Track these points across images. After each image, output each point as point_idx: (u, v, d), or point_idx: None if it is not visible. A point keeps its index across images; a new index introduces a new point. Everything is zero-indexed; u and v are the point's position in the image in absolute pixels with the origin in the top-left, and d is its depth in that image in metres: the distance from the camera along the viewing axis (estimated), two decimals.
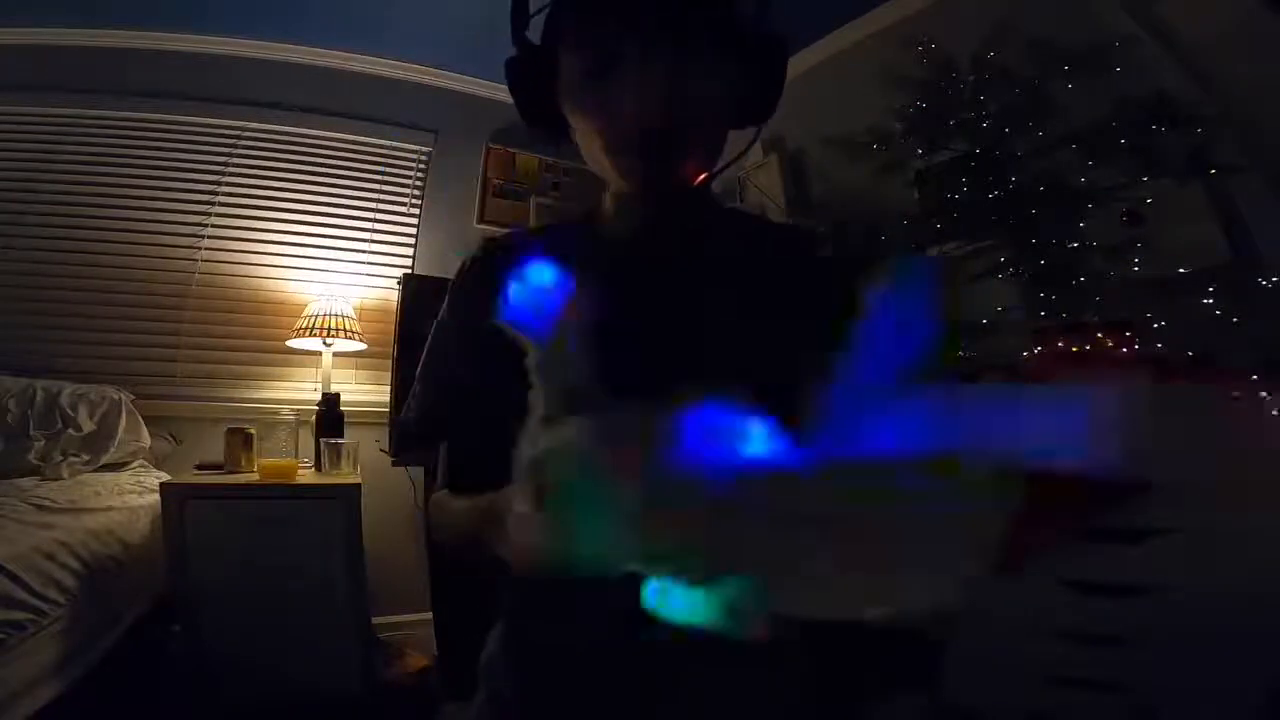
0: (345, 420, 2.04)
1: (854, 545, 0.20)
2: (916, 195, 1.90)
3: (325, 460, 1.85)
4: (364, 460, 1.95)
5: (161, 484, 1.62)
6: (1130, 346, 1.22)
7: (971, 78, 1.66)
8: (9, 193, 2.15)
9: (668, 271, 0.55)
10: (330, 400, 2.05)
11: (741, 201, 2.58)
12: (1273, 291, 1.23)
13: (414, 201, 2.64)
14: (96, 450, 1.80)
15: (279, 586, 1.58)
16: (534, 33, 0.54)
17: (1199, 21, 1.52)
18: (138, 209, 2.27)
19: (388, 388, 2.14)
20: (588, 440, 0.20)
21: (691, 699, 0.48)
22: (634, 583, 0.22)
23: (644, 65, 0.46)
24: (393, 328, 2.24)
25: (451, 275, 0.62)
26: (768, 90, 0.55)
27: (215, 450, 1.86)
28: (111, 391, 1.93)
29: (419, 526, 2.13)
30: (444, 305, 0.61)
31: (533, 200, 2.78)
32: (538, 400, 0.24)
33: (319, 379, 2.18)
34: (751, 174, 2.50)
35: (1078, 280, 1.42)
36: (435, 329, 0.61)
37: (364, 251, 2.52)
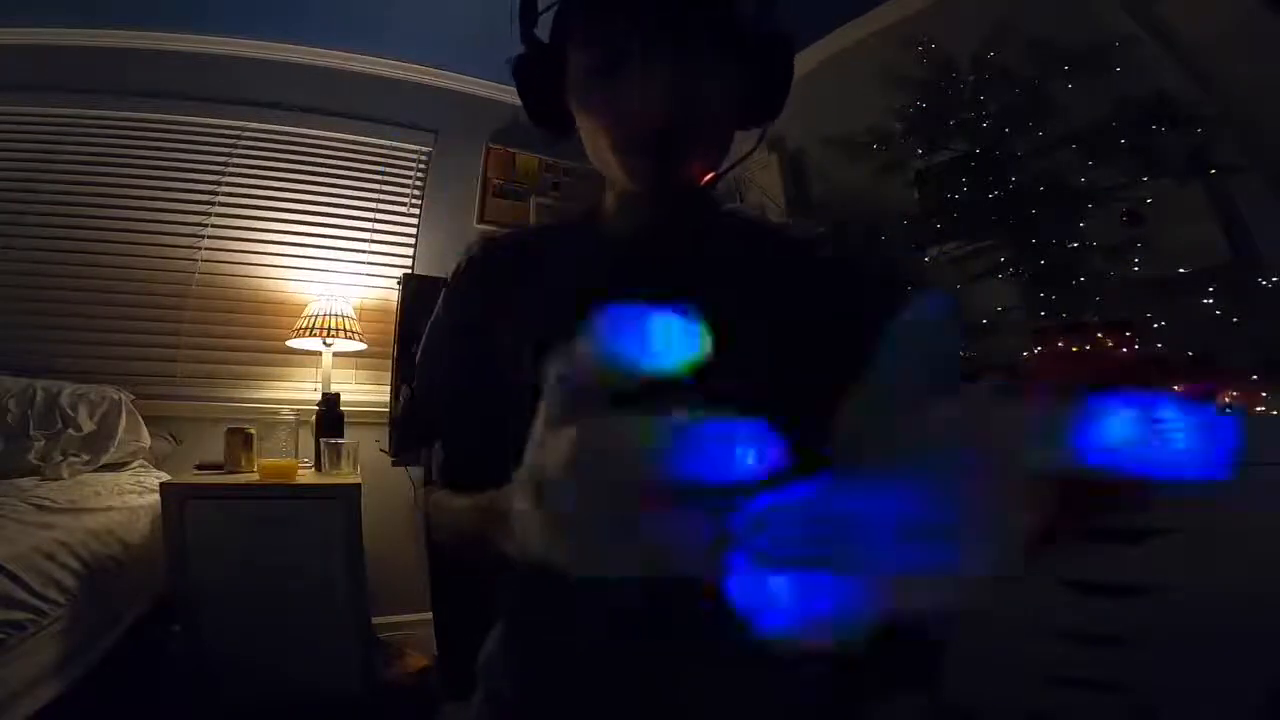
0: (345, 420, 2.04)
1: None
2: (916, 195, 1.91)
3: (325, 460, 1.85)
4: (364, 460, 1.95)
5: (161, 484, 1.62)
6: (1130, 346, 1.22)
7: (971, 78, 1.66)
8: (9, 193, 2.15)
9: (670, 272, 0.54)
10: (330, 400, 2.05)
11: (741, 201, 2.58)
12: (1273, 291, 1.23)
13: (414, 201, 2.64)
14: (96, 450, 1.80)
15: (279, 586, 1.58)
16: (539, 31, 0.54)
17: (1199, 21, 1.52)
18: (138, 209, 2.27)
19: (388, 388, 2.14)
20: (594, 446, 0.20)
21: (691, 699, 0.48)
22: (634, 583, 0.22)
23: (653, 64, 0.46)
24: (393, 328, 2.25)
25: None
26: (774, 91, 0.55)
27: (215, 450, 1.86)
28: (111, 391, 1.93)
29: (419, 526, 2.13)
30: (439, 303, 0.61)
31: (533, 200, 2.78)
32: (546, 400, 0.24)
33: (319, 379, 2.18)
34: (752, 174, 2.50)
35: (1078, 280, 1.42)
36: (430, 327, 0.61)
37: (364, 251, 2.52)
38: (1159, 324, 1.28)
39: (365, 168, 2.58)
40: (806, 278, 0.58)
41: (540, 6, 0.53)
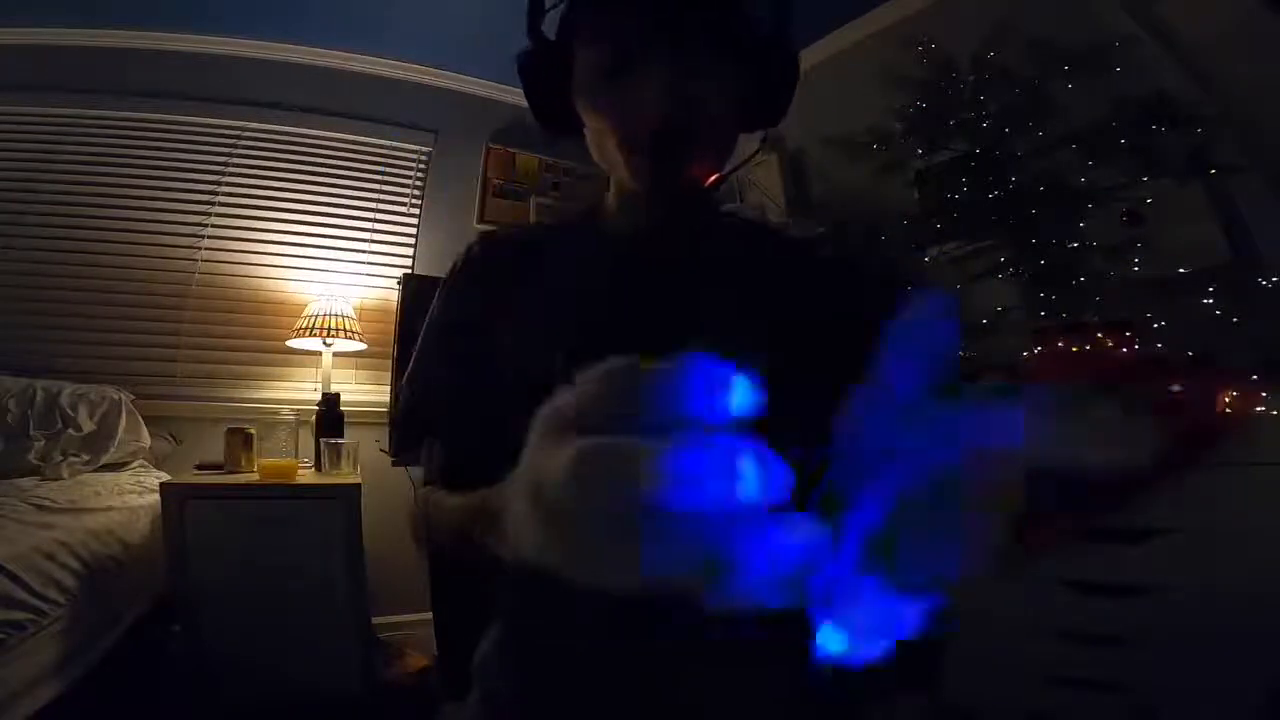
0: (345, 420, 2.04)
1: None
2: (916, 195, 1.91)
3: (325, 460, 1.85)
4: (364, 460, 1.95)
5: (161, 484, 1.62)
6: (1130, 346, 1.22)
7: (971, 78, 1.66)
8: (9, 193, 2.14)
9: (671, 272, 0.55)
10: (330, 400, 2.05)
11: (741, 201, 2.58)
12: (1273, 291, 1.23)
13: (414, 201, 2.64)
14: (96, 450, 1.80)
15: (279, 586, 1.58)
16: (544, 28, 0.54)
17: (1199, 21, 1.53)
18: (138, 209, 2.27)
19: (388, 388, 2.14)
20: (597, 461, 0.19)
21: (690, 700, 0.48)
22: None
23: (663, 66, 0.46)
24: (393, 328, 2.24)
25: None
26: (779, 96, 0.56)
27: (215, 450, 1.86)
28: (111, 391, 1.93)
29: (415, 524, 2.13)
30: (436, 301, 0.60)
31: (532, 200, 2.78)
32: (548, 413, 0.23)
33: (319, 379, 2.18)
34: (752, 174, 2.50)
35: (1078, 280, 1.42)
36: (427, 325, 0.60)
37: (364, 251, 2.52)
38: (1159, 324, 1.28)
39: (365, 168, 2.58)
40: (806, 278, 0.58)
41: (547, 3, 0.53)
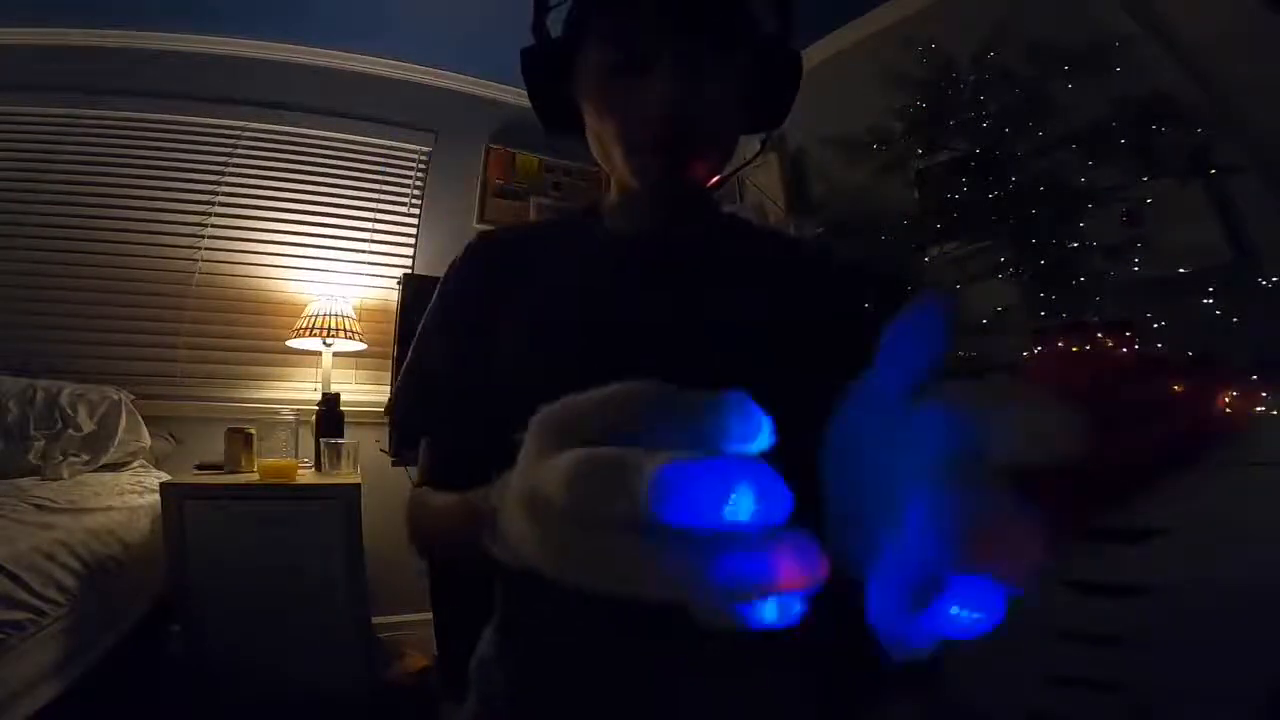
0: (345, 420, 2.04)
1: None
2: (916, 195, 1.91)
3: (325, 460, 1.85)
4: (364, 460, 1.96)
5: (161, 484, 1.62)
6: (1130, 346, 1.22)
7: (971, 78, 1.66)
8: (9, 193, 2.14)
9: (671, 272, 0.55)
10: (330, 400, 2.05)
11: (741, 201, 2.58)
12: (1273, 291, 1.23)
13: (414, 201, 2.64)
14: (96, 450, 1.80)
15: (279, 586, 1.58)
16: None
17: (1199, 21, 1.53)
18: (138, 209, 2.27)
19: (388, 388, 2.14)
20: (593, 473, 0.19)
21: (689, 703, 0.48)
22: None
23: (671, 67, 0.46)
24: (393, 328, 2.25)
25: None
26: (783, 97, 0.56)
27: (215, 450, 1.86)
28: (111, 391, 1.93)
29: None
30: (433, 299, 0.60)
31: (532, 200, 2.78)
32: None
33: (319, 379, 2.18)
34: (752, 174, 2.50)
35: (1078, 280, 1.42)
36: (423, 324, 0.60)
37: (364, 251, 2.52)
38: (1159, 324, 1.28)
39: (365, 168, 2.58)
40: (805, 279, 0.58)
41: (552, 1, 0.53)
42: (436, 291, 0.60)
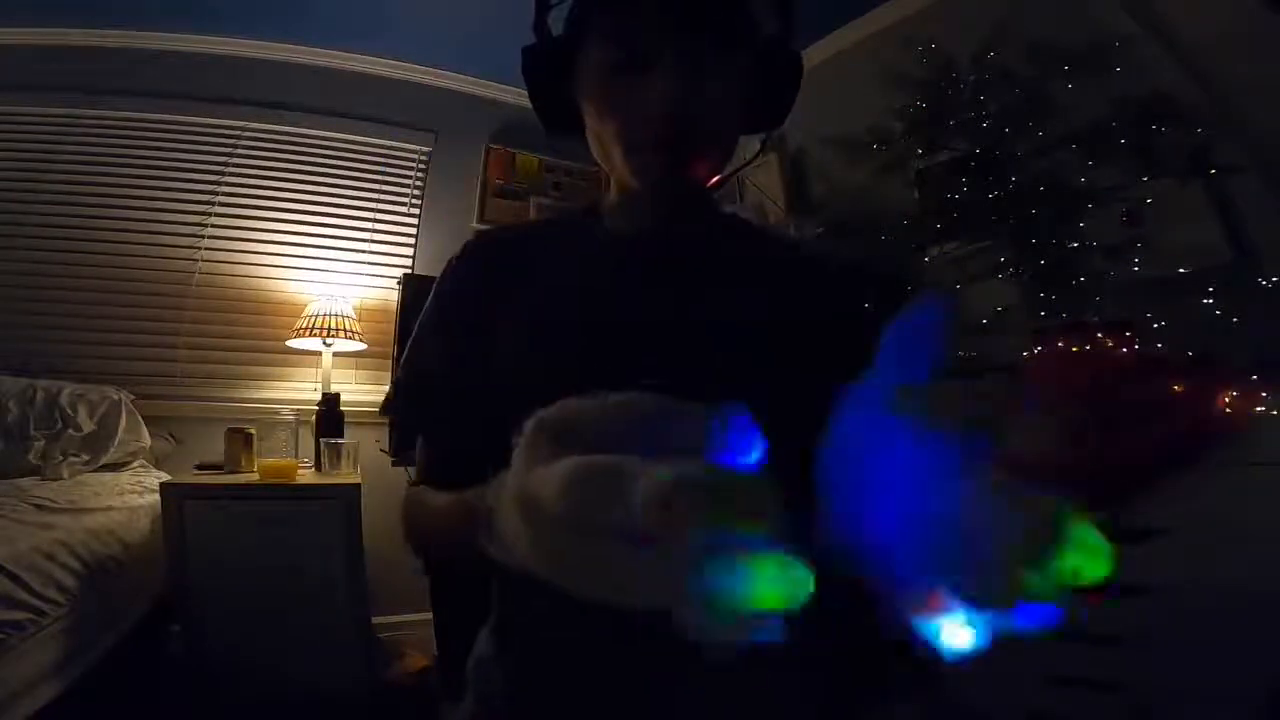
0: (345, 420, 2.04)
1: None
2: (916, 195, 1.91)
3: (325, 460, 1.85)
4: (364, 460, 1.96)
5: (161, 484, 1.63)
6: (1130, 346, 1.22)
7: (971, 78, 1.65)
8: (9, 193, 2.14)
9: (669, 272, 0.54)
10: (330, 400, 2.05)
11: (741, 201, 2.58)
12: (1273, 291, 1.23)
13: (414, 201, 2.64)
14: (96, 450, 1.80)
15: (279, 586, 1.58)
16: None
17: (1199, 21, 1.53)
18: (138, 209, 2.27)
19: (388, 388, 2.14)
20: (589, 482, 0.19)
21: (689, 704, 0.48)
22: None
23: (672, 66, 0.46)
24: (393, 328, 2.25)
25: None
26: (783, 98, 0.56)
27: (215, 450, 1.86)
28: (111, 391, 1.93)
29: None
30: (430, 298, 0.60)
31: (532, 200, 2.78)
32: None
33: (319, 379, 2.18)
34: (752, 174, 2.50)
35: (1078, 280, 1.42)
36: (420, 323, 0.59)
37: (364, 251, 2.52)
38: (1159, 324, 1.28)
39: (365, 168, 2.58)
40: (803, 280, 0.58)
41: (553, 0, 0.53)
42: (433, 291, 0.59)
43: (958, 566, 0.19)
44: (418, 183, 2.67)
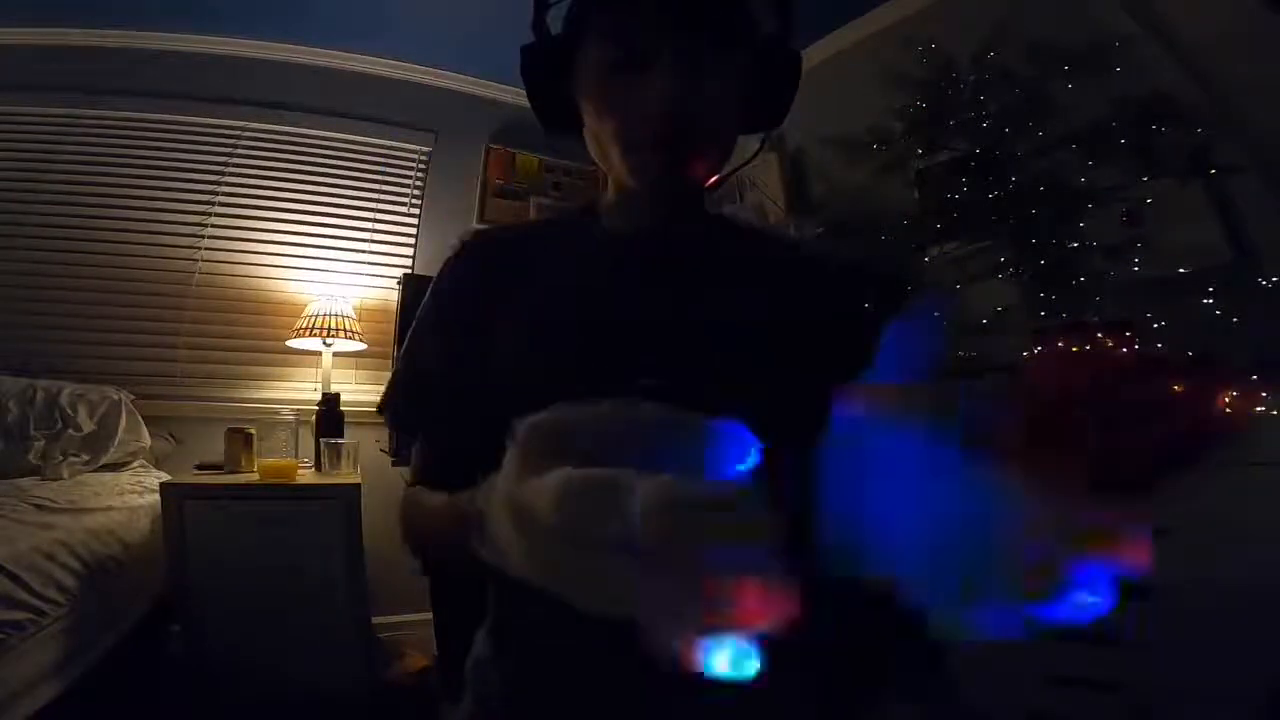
0: (345, 420, 2.04)
1: None
2: (916, 195, 1.91)
3: (325, 460, 1.85)
4: (364, 460, 1.96)
5: (161, 484, 1.63)
6: (1130, 346, 1.22)
7: (971, 78, 1.66)
8: (9, 193, 2.14)
9: (666, 271, 0.54)
10: (330, 400, 2.05)
11: (741, 201, 2.58)
12: (1273, 291, 1.23)
13: (414, 201, 2.64)
14: (96, 450, 1.80)
15: (279, 586, 1.58)
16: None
17: (1199, 21, 1.52)
18: (138, 209, 2.27)
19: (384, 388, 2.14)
20: (584, 494, 0.19)
21: (687, 704, 0.48)
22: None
23: (671, 65, 0.46)
24: (393, 328, 2.25)
25: None
26: (782, 97, 0.56)
27: (215, 450, 1.86)
28: (111, 391, 1.93)
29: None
30: (427, 296, 0.59)
31: (532, 200, 2.78)
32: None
33: (319, 379, 2.18)
34: (752, 174, 2.50)
35: (1078, 280, 1.42)
36: (417, 321, 0.59)
37: (364, 251, 2.52)
38: (1159, 324, 1.28)
39: (365, 168, 2.58)
40: (800, 280, 0.58)
41: None
42: (430, 289, 0.59)
43: (989, 564, 0.19)
44: (418, 183, 2.67)
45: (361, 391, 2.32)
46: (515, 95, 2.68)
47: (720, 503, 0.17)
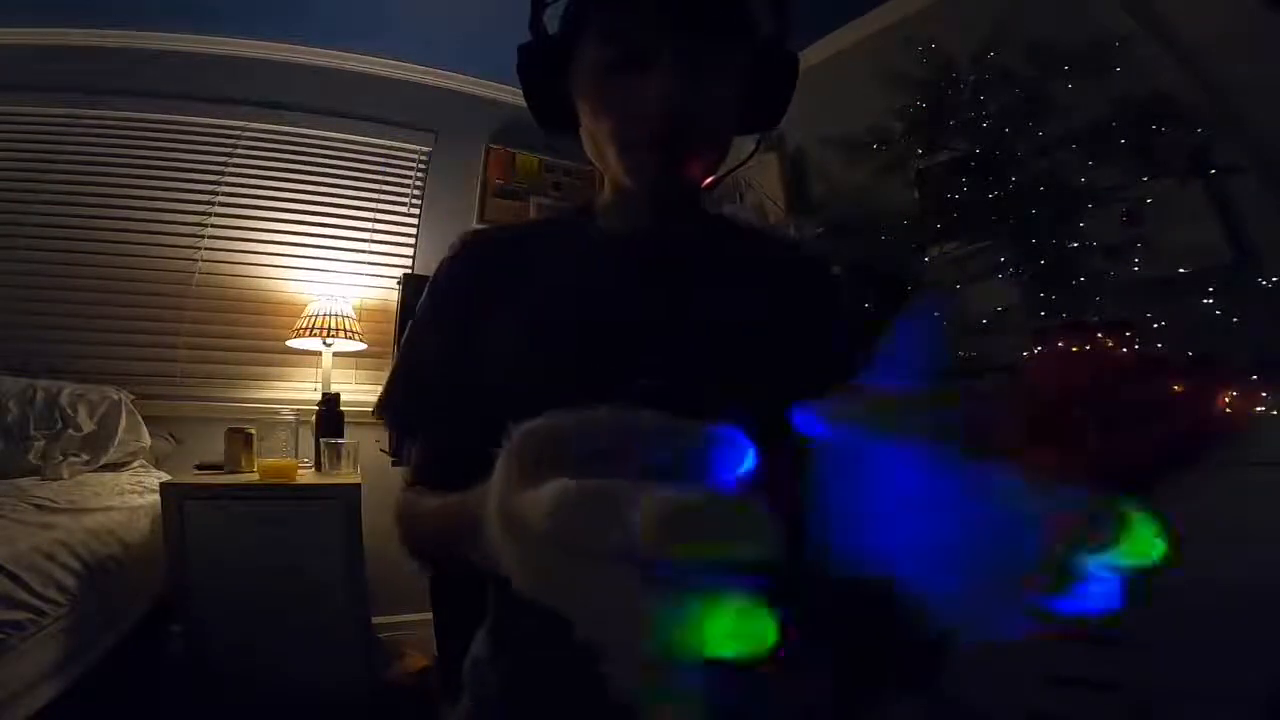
0: (345, 420, 2.04)
1: None
2: (916, 195, 1.91)
3: (325, 460, 1.85)
4: (364, 460, 1.95)
5: (161, 484, 1.62)
6: (1130, 346, 1.22)
7: (971, 78, 1.66)
8: (9, 193, 2.14)
9: (662, 271, 0.54)
10: (330, 400, 2.05)
11: (741, 201, 2.58)
12: (1273, 291, 1.23)
13: (414, 201, 2.64)
14: (96, 450, 1.80)
15: (279, 587, 1.58)
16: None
17: (1199, 21, 1.52)
18: (138, 209, 2.27)
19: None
20: (579, 508, 0.19)
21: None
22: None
23: (669, 65, 0.46)
24: (393, 328, 2.25)
25: None
26: (779, 98, 0.56)
27: (215, 450, 1.86)
28: (111, 391, 1.93)
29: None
30: (424, 296, 0.59)
31: (532, 200, 2.78)
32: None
33: (319, 379, 2.18)
34: (751, 174, 2.50)
35: (1078, 280, 1.42)
36: (414, 321, 0.59)
37: (364, 251, 2.52)
38: (1159, 324, 1.28)
39: (365, 168, 2.58)
40: (801, 279, 0.58)
41: None
42: (427, 289, 0.59)
43: (992, 561, 0.19)
44: (418, 183, 2.67)
45: (361, 391, 2.32)
46: (515, 95, 2.66)
47: (721, 511, 0.17)
